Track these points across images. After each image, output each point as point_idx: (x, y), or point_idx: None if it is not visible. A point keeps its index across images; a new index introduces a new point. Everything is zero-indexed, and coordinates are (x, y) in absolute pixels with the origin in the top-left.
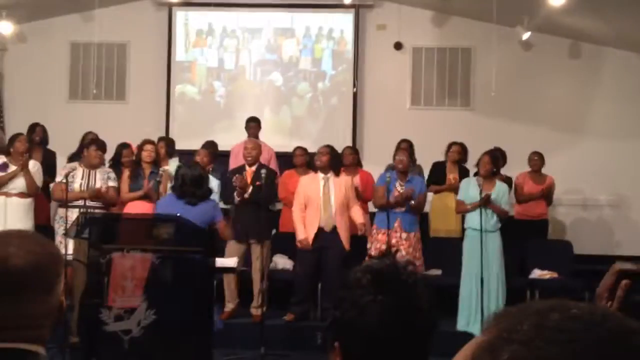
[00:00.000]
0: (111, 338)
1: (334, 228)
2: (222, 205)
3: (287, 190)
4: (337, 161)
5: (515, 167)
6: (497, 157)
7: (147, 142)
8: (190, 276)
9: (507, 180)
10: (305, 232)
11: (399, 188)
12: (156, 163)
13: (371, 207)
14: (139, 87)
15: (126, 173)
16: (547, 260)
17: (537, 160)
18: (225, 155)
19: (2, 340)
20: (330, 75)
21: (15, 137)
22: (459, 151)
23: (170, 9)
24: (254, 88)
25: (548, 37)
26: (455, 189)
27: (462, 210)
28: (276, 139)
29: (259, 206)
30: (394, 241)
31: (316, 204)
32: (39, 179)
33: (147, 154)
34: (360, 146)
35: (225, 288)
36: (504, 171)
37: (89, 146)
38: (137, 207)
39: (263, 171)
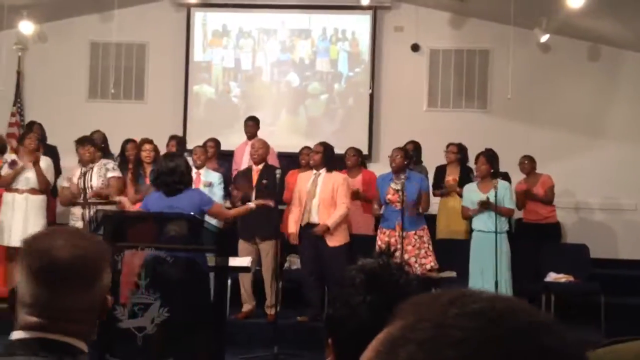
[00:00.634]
0: (125, 335)
1: (314, 225)
2: (227, 204)
3: (289, 189)
4: (331, 159)
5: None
6: (492, 157)
7: (145, 141)
8: (202, 274)
9: (505, 177)
10: (294, 227)
11: (393, 186)
12: (156, 161)
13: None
14: (157, 86)
15: (129, 175)
16: (563, 263)
17: (526, 163)
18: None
19: (42, 330)
20: (347, 76)
21: (24, 135)
22: (455, 151)
23: (189, 9)
24: (270, 89)
25: (566, 40)
26: (456, 191)
27: (467, 216)
28: (292, 139)
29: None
30: (392, 240)
31: (303, 200)
32: (50, 176)
33: (146, 154)
34: (377, 147)
35: (241, 289)
36: (513, 172)
37: (79, 146)
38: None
39: (278, 171)
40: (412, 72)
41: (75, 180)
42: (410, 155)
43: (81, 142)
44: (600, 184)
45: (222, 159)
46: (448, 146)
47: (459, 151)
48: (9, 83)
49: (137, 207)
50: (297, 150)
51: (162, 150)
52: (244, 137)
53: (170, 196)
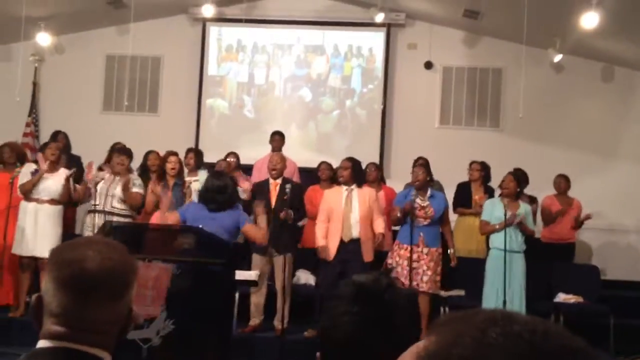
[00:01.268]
0: (130, 346)
1: (356, 240)
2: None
3: (312, 204)
4: (360, 174)
5: (543, 190)
6: (520, 178)
7: (171, 153)
8: (210, 287)
9: (532, 200)
10: (325, 241)
11: (420, 202)
12: (180, 174)
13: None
14: (171, 100)
15: (151, 186)
16: (573, 284)
17: (562, 182)
18: (251, 167)
19: (68, 340)
20: (360, 92)
21: (45, 145)
22: (479, 169)
23: (204, 24)
24: (283, 103)
25: (580, 60)
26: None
27: (487, 231)
28: (303, 154)
29: (282, 220)
30: (415, 256)
31: (339, 216)
32: (70, 185)
33: (171, 166)
34: (388, 163)
35: (251, 302)
36: (527, 191)
37: (115, 154)
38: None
39: (288, 185)
40: (425, 89)
41: (100, 184)
42: (430, 171)
43: (118, 150)
44: (613, 204)
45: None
46: (471, 164)
47: (483, 169)
48: (25, 93)
49: (154, 219)
50: (308, 164)
51: None
52: (256, 151)
53: (212, 212)
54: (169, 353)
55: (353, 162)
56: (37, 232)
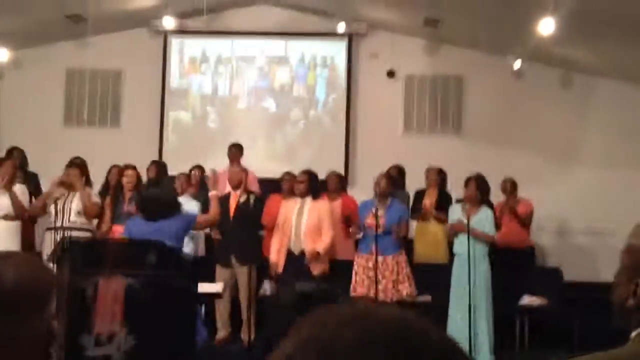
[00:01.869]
0: None
1: (302, 252)
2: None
3: (271, 214)
4: (316, 186)
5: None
6: (483, 183)
7: (128, 167)
8: (171, 301)
9: (490, 206)
10: (276, 256)
11: (373, 211)
12: (138, 188)
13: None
14: (133, 113)
15: (107, 200)
16: (537, 287)
17: (508, 184)
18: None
19: None
20: (323, 102)
21: (1, 162)
22: (435, 175)
23: (166, 36)
24: (247, 115)
25: (539, 67)
26: (433, 215)
27: (449, 234)
28: (269, 164)
29: (242, 232)
30: (371, 264)
31: (289, 228)
32: (25, 202)
33: (127, 180)
34: (353, 172)
35: (217, 315)
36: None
37: (66, 168)
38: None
39: (252, 196)
40: (388, 97)
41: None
42: (395, 180)
43: (69, 164)
44: (574, 208)
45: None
46: (428, 170)
47: (439, 175)
48: None
49: (114, 232)
50: (274, 175)
51: (142, 176)
52: (221, 163)
53: (151, 221)
54: None
55: (309, 175)
56: None
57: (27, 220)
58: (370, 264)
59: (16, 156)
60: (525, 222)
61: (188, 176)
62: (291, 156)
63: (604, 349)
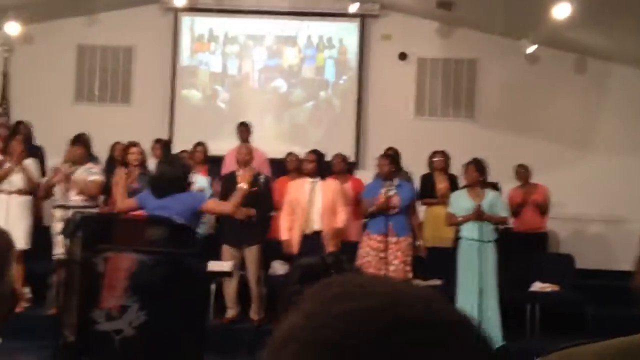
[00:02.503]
0: (102, 337)
1: (317, 233)
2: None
3: (280, 195)
4: (324, 166)
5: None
6: (482, 166)
7: (132, 144)
8: (183, 278)
9: (495, 187)
10: (288, 234)
11: (388, 193)
12: (144, 165)
13: None
14: (144, 90)
15: (116, 177)
16: (549, 273)
17: (522, 172)
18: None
19: None
20: (333, 83)
21: (11, 136)
22: (444, 160)
23: (176, 13)
24: (257, 94)
25: (553, 52)
26: (445, 199)
27: (453, 223)
28: (278, 145)
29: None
30: (382, 245)
31: (302, 209)
32: (37, 176)
33: (134, 157)
34: (363, 154)
35: (225, 294)
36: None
37: (70, 145)
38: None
39: (261, 177)
40: (399, 80)
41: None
42: (396, 161)
43: (73, 141)
44: (588, 194)
45: (211, 163)
46: (435, 154)
47: (446, 159)
48: None
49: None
50: (283, 155)
51: (148, 154)
52: (230, 142)
53: (162, 197)
54: (142, 344)
55: (318, 155)
56: (8, 222)
57: (38, 196)
58: (382, 245)
59: (22, 130)
60: (543, 209)
61: (192, 153)
62: (300, 137)
63: (616, 336)
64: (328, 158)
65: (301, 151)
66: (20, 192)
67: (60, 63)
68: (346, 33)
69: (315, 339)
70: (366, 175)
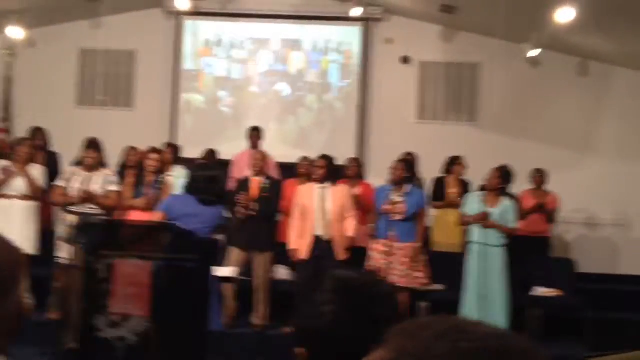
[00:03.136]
0: (106, 345)
1: (330, 238)
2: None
3: (287, 199)
4: (334, 171)
5: (520, 184)
6: (506, 174)
7: (153, 150)
8: (187, 284)
9: (512, 198)
10: (296, 243)
11: (395, 198)
12: (160, 171)
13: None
14: (146, 94)
15: (129, 180)
16: (550, 277)
17: (538, 176)
18: (228, 163)
19: None
20: (337, 87)
21: (18, 142)
22: (464, 165)
23: (180, 18)
24: (260, 98)
25: (556, 55)
26: (455, 204)
27: (463, 223)
28: (281, 149)
29: (262, 217)
30: (387, 249)
31: (312, 214)
32: (41, 182)
33: (152, 163)
34: (366, 158)
35: (223, 296)
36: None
37: (85, 148)
38: (138, 215)
39: (267, 181)
40: (402, 84)
41: (77, 185)
42: (411, 167)
43: (87, 145)
44: (589, 198)
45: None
46: (455, 159)
47: (465, 165)
48: None
49: (132, 216)
50: (287, 159)
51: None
52: (233, 146)
53: (202, 204)
54: (145, 351)
55: (328, 160)
56: (10, 228)
57: (45, 200)
58: (387, 250)
59: (39, 137)
60: (552, 217)
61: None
62: (304, 141)
63: (617, 340)
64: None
65: (304, 155)
66: (24, 197)
67: (63, 67)
68: (350, 37)
69: None
70: (368, 179)
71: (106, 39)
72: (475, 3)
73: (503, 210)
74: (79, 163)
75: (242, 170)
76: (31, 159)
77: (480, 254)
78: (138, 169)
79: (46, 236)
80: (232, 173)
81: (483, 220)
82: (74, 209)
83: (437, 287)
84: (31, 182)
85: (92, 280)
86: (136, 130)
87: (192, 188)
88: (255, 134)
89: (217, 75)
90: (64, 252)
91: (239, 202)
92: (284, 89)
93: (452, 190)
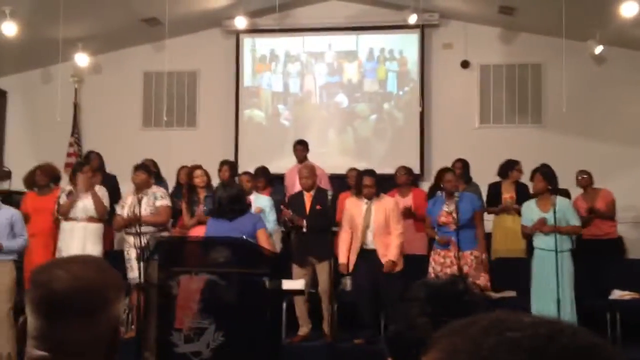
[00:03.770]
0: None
1: (373, 250)
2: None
3: (341, 211)
4: (380, 185)
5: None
6: (549, 173)
7: (195, 167)
8: (257, 298)
9: (566, 194)
10: (344, 257)
11: (446, 208)
12: (210, 187)
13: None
14: (209, 113)
15: (184, 198)
16: (628, 280)
17: (583, 178)
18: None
19: None
20: (396, 95)
21: (81, 166)
22: (522, 171)
23: (238, 36)
24: (319, 111)
25: (621, 51)
26: (511, 209)
27: (525, 235)
28: (342, 160)
29: (318, 228)
30: (448, 260)
31: (358, 227)
32: (106, 202)
33: (199, 180)
34: (428, 166)
35: (297, 311)
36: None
37: (134, 171)
38: (199, 232)
39: (318, 195)
40: (462, 88)
41: (127, 208)
42: (465, 173)
43: (135, 167)
44: None
45: (275, 182)
46: (513, 164)
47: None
48: (65, 114)
49: (193, 232)
50: (346, 171)
51: (214, 175)
52: (295, 160)
53: (232, 220)
54: None
55: (375, 177)
56: (77, 250)
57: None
58: (448, 261)
59: (93, 159)
60: (607, 215)
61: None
62: (365, 151)
63: None
64: (391, 170)
65: (367, 165)
66: (91, 219)
67: (127, 90)
68: (407, 44)
69: None
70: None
71: (168, 60)
72: (534, 3)
73: (559, 210)
74: None
75: (294, 185)
76: (94, 182)
77: (546, 260)
78: (188, 187)
79: (110, 256)
80: (285, 188)
81: (541, 227)
82: (134, 230)
83: (509, 293)
84: (97, 204)
85: (166, 297)
86: (200, 149)
87: (217, 211)
88: (300, 147)
89: (275, 90)
90: (134, 272)
91: (285, 217)
92: (342, 100)
93: (507, 195)
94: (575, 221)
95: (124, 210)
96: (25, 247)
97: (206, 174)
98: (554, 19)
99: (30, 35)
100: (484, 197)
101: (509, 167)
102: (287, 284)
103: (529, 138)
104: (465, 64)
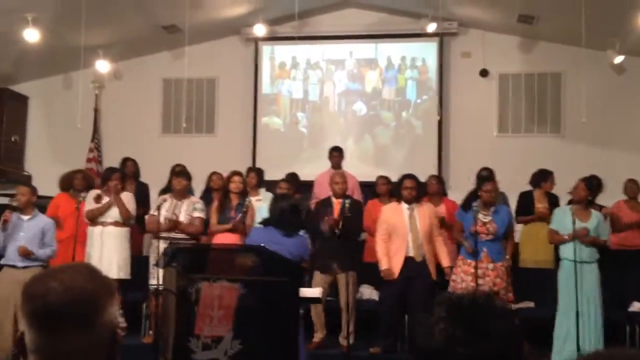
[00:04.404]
0: None
1: (424, 258)
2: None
3: (371, 219)
4: (421, 190)
5: (609, 195)
6: (593, 185)
7: (235, 173)
8: (276, 306)
9: (599, 208)
10: (388, 263)
11: (482, 218)
12: (244, 194)
13: None
14: (228, 120)
15: (215, 204)
16: None
17: (633, 187)
18: (309, 184)
19: None
20: (415, 103)
21: (109, 172)
22: (554, 183)
23: (257, 43)
24: (338, 118)
25: None
26: (544, 218)
27: (556, 241)
28: (360, 168)
29: (343, 237)
30: (480, 272)
31: (402, 234)
32: (132, 208)
33: (235, 186)
34: (446, 175)
35: (313, 318)
36: (598, 200)
37: (173, 177)
38: (225, 238)
39: (347, 201)
40: (481, 97)
41: (163, 211)
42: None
43: (176, 173)
44: None
45: (300, 189)
46: (548, 175)
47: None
48: (86, 120)
49: (218, 239)
50: (366, 178)
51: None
52: (314, 167)
53: (286, 236)
54: None
55: (416, 181)
56: (104, 254)
57: (135, 227)
58: (481, 272)
59: (129, 167)
60: None
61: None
62: (383, 159)
63: None
64: None
65: (385, 173)
66: (116, 224)
67: (147, 97)
68: (426, 52)
69: None
70: (449, 195)
71: (188, 68)
72: (554, 12)
73: (596, 224)
74: (166, 190)
75: (324, 190)
76: (122, 188)
77: (573, 271)
78: (222, 192)
79: (137, 262)
80: (314, 194)
81: (583, 236)
82: (163, 234)
83: (527, 304)
84: (122, 208)
85: (184, 303)
86: (218, 156)
87: (276, 220)
88: (336, 154)
89: (294, 97)
90: (156, 278)
91: (328, 221)
92: (361, 107)
93: (541, 205)
94: (605, 237)
95: (159, 212)
96: (51, 258)
97: (243, 182)
98: (573, 29)
99: (52, 41)
100: (513, 206)
101: (542, 177)
102: (305, 292)
103: (548, 148)
104: (484, 73)
